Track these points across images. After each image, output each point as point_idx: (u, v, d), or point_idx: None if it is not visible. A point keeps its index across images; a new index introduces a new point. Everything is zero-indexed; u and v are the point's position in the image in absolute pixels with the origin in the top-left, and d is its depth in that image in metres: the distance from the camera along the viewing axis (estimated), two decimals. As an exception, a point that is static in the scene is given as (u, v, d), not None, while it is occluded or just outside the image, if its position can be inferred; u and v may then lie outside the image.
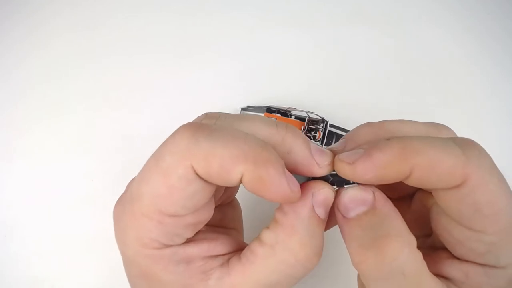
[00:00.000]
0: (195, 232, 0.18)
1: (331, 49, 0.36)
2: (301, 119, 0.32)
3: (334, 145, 0.19)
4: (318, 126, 0.32)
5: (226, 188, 0.21)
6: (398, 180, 0.16)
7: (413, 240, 0.16)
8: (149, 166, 0.17)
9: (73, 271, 0.30)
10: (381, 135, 0.17)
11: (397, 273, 0.16)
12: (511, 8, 0.37)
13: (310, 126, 0.32)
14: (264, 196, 0.16)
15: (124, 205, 0.18)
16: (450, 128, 0.19)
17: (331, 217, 0.18)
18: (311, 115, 0.32)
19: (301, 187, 0.17)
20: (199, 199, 0.16)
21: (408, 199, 0.21)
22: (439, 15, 0.38)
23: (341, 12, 0.37)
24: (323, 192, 0.17)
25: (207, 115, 0.19)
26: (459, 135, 0.18)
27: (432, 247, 0.19)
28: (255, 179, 0.15)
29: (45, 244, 0.31)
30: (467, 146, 0.16)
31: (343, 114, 0.33)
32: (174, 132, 0.17)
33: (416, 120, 0.18)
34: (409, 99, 0.35)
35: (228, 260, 0.18)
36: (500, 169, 0.17)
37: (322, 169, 0.17)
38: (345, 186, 0.18)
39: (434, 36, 0.37)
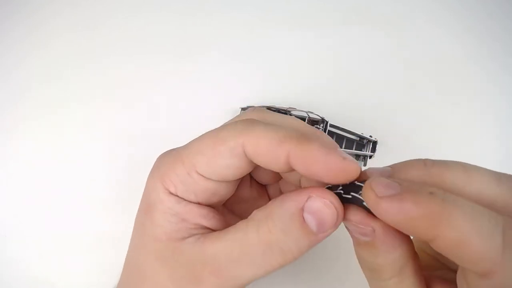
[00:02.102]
0: (208, 203, 0.20)
1: (331, 49, 0.36)
2: (301, 119, 0.32)
3: (375, 168, 0.17)
4: (318, 126, 0.32)
5: (255, 199, 0.23)
6: (416, 237, 0.16)
7: (409, 274, 0.17)
8: (207, 133, 0.19)
9: (73, 271, 0.30)
10: (430, 182, 0.15)
11: None
12: (511, 8, 0.37)
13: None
14: (318, 172, 0.16)
15: (173, 150, 0.20)
16: None
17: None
18: (311, 115, 0.32)
19: (305, 187, 0.17)
20: (230, 173, 0.19)
21: None
22: (439, 15, 0.38)
23: (341, 12, 0.37)
24: (322, 203, 0.16)
25: (255, 109, 0.22)
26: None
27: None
28: (300, 155, 0.16)
29: (45, 244, 0.31)
30: None
31: (343, 114, 0.33)
32: (235, 119, 0.20)
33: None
34: (409, 99, 0.35)
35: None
36: (500, 169, 0.16)
37: (345, 162, 0.16)
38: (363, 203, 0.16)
39: (434, 36, 0.37)
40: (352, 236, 0.17)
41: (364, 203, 0.16)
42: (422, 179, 0.16)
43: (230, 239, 0.18)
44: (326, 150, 0.16)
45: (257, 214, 0.18)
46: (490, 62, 0.36)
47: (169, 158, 0.20)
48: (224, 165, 0.18)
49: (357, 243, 0.17)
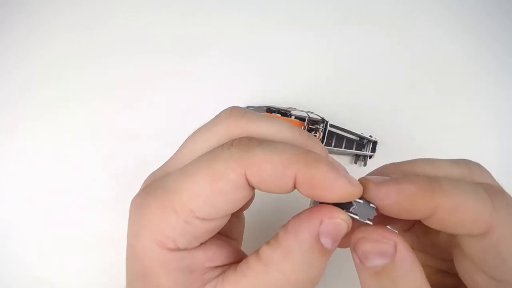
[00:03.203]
0: (210, 237, 0.18)
1: (331, 49, 0.36)
2: (301, 119, 0.32)
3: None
4: (318, 126, 0.32)
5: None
6: (418, 217, 0.15)
7: None
8: (197, 166, 0.16)
9: (73, 271, 0.30)
10: (410, 173, 0.17)
11: None
12: (511, 8, 0.37)
13: (310, 126, 0.32)
14: (324, 196, 0.15)
15: (151, 196, 0.17)
16: (482, 166, 0.18)
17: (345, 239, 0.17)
18: (311, 115, 0.32)
19: (311, 210, 0.16)
20: (235, 206, 0.16)
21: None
22: (439, 15, 0.38)
23: (341, 12, 0.37)
24: (335, 224, 0.16)
25: (232, 110, 0.19)
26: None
27: (450, 274, 0.19)
28: (308, 178, 0.15)
29: (45, 244, 0.31)
30: (496, 195, 0.15)
31: (343, 114, 0.33)
32: (226, 143, 0.17)
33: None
34: (409, 99, 0.35)
35: (225, 271, 0.18)
36: (500, 168, 0.16)
37: (352, 187, 0.15)
38: (366, 221, 0.16)
39: (434, 36, 0.37)
40: (363, 270, 0.16)
41: (358, 218, 0.16)
42: (400, 173, 0.17)
43: (253, 284, 0.16)
44: (335, 175, 0.15)
45: (272, 255, 0.16)
46: (490, 62, 0.36)
47: (152, 209, 0.17)
48: (227, 202, 0.16)
49: (373, 275, 0.16)
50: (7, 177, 0.32)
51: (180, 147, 0.19)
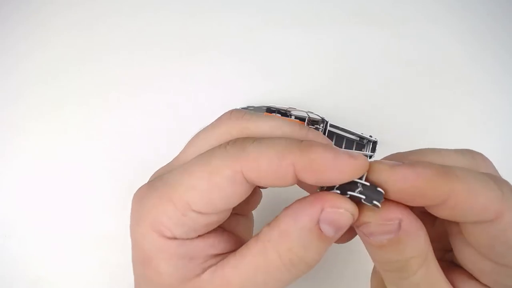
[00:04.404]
0: (209, 230, 0.18)
1: (331, 49, 0.36)
2: (301, 119, 0.32)
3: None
4: (318, 126, 0.32)
5: (249, 198, 0.20)
6: (429, 203, 0.15)
7: (431, 258, 0.16)
8: (196, 163, 0.17)
9: (73, 271, 0.30)
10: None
11: (412, 285, 0.16)
12: (511, 8, 0.37)
13: (310, 126, 0.32)
14: (328, 177, 0.15)
15: (152, 189, 0.18)
16: (484, 156, 0.18)
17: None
18: (311, 115, 0.32)
19: (315, 195, 0.16)
20: (231, 202, 0.17)
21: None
22: (439, 15, 0.38)
23: (341, 12, 0.37)
24: (337, 213, 0.16)
25: (232, 112, 0.19)
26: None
27: (453, 262, 0.19)
28: (307, 163, 0.15)
29: (45, 244, 0.31)
30: (501, 183, 0.16)
31: (343, 114, 0.33)
32: (224, 143, 0.17)
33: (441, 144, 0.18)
34: (410, 99, 0.35)
35: (227, 256, 0.18)
36: (500, 169, 0.17)
37: (355, 160, 0.15)
38: (374, 203, 0.16)
39: (434, 36, 0.37)
40: (369, 243, 0.16)
41: (363, 201, 0.16)
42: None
43: (253, 264, 0.17)
44: (332, 153, 0.15)
45: (270, 234, 0.17)
46: (490, 62, 0.36)
47: (152, 200, 0.17)
48: (223, 197, 0.17)
49: (378, 247, 0.16)
50: (7, 177, 0.32)
51: (183, 148, 0.20)
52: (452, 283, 0.17)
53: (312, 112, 0.32)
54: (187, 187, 0.17)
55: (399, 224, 0.15)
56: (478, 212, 0.15)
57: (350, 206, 0.16)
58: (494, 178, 0.16)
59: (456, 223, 0.17)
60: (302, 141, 0.16)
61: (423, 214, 0.17)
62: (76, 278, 0.30)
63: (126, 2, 0.37)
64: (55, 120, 0.34)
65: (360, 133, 0.32)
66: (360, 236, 0.17)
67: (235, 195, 0.17)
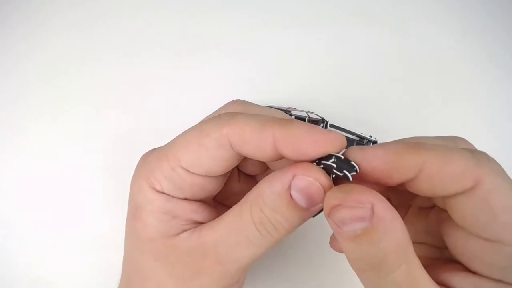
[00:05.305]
0: (196, 198, 0.20)
1: (331, 49, 0.36)
2: (301, 119, 0.32)
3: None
4: (318, 126, 0.32)
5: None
6: (406, 178, 0.16)
7: (412, 255, 0.16)
8: (191, 128, 0.19)
9: (73, 271, 0.30)
10: None
11: (392, 285, 0.16)
12: (511, 8, 0.37)
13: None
14: (306, 150, 0.16)
15: (156, 148, 0.20)
16: (466, 140, 0.19)
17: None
18: (311, 115, 0.32)
19: (290, 165, 0.17)
20: (216, 167, 0.18)
21: (428, 210, 0.20)
22: (439, 15, 0.38)
23: (341, 12, 0.37)
24: (306, 181, 0.16)
25: (236, 100, 0.22)
26: (459, 134, 0.19)
27: (450, 260, 0.19)
28: (286, 136, 0.16)
29: (45, 244, 0.31)
30: (477, 152, 0.16)
31: (343, 114, 0.34)
32: (218, 114, 0.19)
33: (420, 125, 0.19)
34: (410, 98, 0.35)
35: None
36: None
37: (331, 134, 0.16)
38: (344, 172, 0.16)
39: (434, 36, 0.37)
40: (343, 236, 0.15)
41: (334, 170, 0.16)
42: None
43: (227, 224, 0.18)
44: (309, 127, 0.16)
45: (247, 197, 0.18)
46: (490, 62, 0.36)
47: (153, 157, 0.20)
48: (209, 158, 0.18)
49: (352, 239, 0.15)
50: (7, 177, 0.32)
51: None
52: (448, 279, 0.17)
53: (312, 112, 0.32)
54: (180, 146, 0.18)
55: (372, 210, 0.15)
56: (454, 180, 0.15)
57: (320, 176, 0.16)
58: (469, 150, 0.16)
59: (445, 211, 0.17)
60: (285, 117, 0.18)
61: (416, 210, 0.17)
62: (76, 278, 0.30)
63: (126, 2, 0.37)
64: (55, 120, 0.34)
65: (360, 133, 0.32)
66: (334, 231, 0.16)
67: (221, 159, 0.18)
